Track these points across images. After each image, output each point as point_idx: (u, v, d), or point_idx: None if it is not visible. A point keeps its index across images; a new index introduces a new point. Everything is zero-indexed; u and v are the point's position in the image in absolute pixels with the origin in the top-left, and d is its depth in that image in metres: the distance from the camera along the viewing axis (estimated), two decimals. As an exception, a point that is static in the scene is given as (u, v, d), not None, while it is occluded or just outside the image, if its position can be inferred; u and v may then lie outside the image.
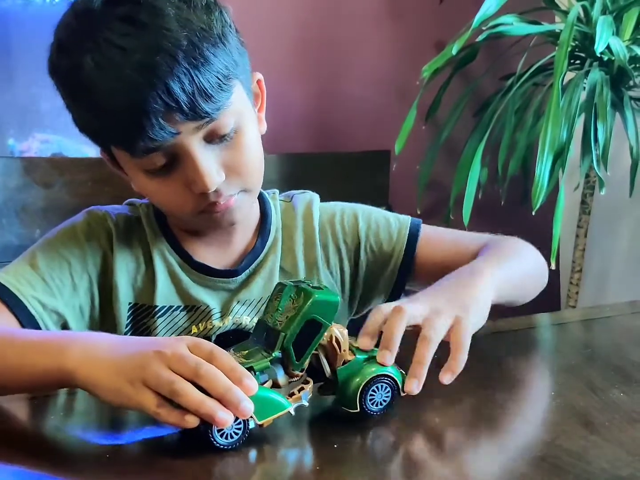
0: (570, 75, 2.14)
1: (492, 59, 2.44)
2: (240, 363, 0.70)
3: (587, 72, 2.09)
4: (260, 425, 0.70)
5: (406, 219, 1.14)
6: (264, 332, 0.74)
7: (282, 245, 1.08)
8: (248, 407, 0.67)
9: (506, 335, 1.05)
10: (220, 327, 1.03)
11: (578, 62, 2.23)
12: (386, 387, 0.75)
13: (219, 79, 0.88)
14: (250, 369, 0.70)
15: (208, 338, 1.02)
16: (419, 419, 0.76)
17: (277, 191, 1.15)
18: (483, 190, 2.28)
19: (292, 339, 0.71)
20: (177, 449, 0.70)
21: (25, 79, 2.08)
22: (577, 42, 2.17)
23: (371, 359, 0.76)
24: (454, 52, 2.09)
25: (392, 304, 0.81)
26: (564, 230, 2.11)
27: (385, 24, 2.53)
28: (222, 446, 0.68)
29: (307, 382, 0.74)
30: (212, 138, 0.91)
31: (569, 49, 1.95)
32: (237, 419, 0.68)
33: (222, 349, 0.70)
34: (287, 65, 2.41)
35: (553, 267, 1.98)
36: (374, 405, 0.75)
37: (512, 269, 1.00)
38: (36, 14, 2.06)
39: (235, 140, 0.93)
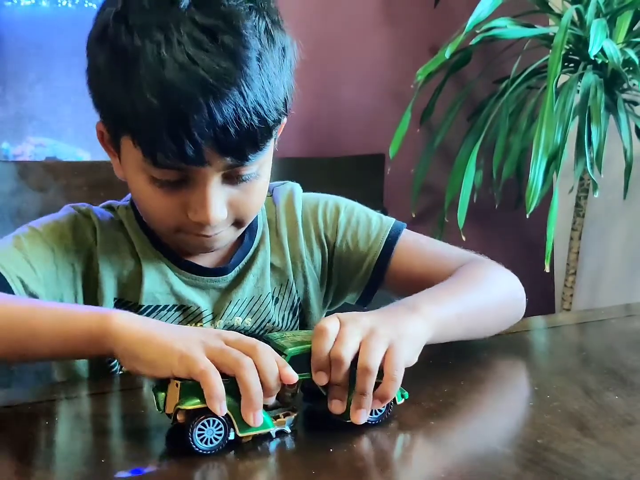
0: (564, 78, 2.15)
1: (486, 63, 2.45)
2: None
3: (581, 75, 2.10)
4: (240, 439, 0.69)
5: (389, 221, 1.10)
6: None
7: (270, 241, 1.07)
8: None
9: (500, 338, 1.05)
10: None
11: (572, 65, 2.24)
12: None
13: (269, 128, 0.88)
14: None
15: None
16: (413, 423, 0.76)
17: None
18: (477, 194, 2.28)
19: (288, 359, 0.72)
20: (168, 455, 0.70)
21: (19, 83, 2.08)
22: (570, 45, 2.18)
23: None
24: (447, 55, 2.10)
25: (334, 324, 0.74)
26: (558, 233, 2.12)
27: (379, 27, 2.53)
28: (201, 451, 0.67)
29: (294, 410, 0.74)
30: (232, 177, 0.90)
31: (563, 52, 1.96)
32: (218, 424, 0.68)
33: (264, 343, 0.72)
34: (282, 69, 2.41)
35: (547, 269, 1.98)
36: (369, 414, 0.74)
37: (463, 305, 0.92)
38: (29, 18, 2.05)
39: (250, 184, 0.92)
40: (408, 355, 0.76)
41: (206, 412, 0.67)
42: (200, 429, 0.67)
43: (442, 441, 0.73)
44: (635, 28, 2.19)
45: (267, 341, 0.75)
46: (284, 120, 0.96)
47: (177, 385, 0.68)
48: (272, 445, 0.71)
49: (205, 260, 1.03)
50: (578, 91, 2.09)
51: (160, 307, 1.00)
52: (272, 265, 1.06)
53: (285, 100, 0.91)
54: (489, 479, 0.63)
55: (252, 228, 1.06)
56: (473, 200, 2.20)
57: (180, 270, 1.01)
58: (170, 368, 0.69)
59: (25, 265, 0.93)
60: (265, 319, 1.05)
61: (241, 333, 1.01)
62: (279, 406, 0.73)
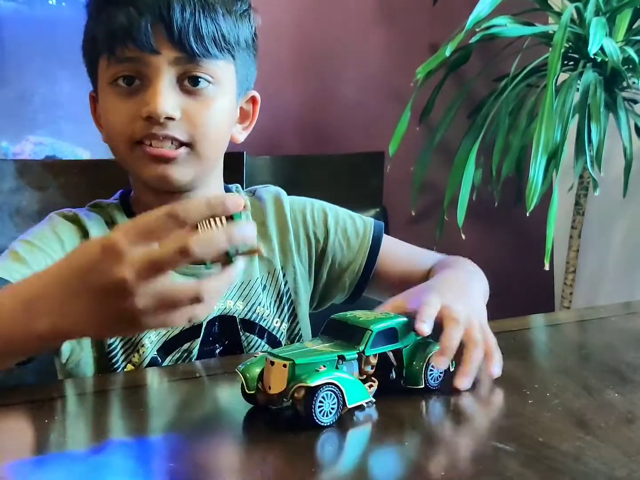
0: (563, 76, 2.15)
1: (486, 61, 2.45)
2: (328, 352, 0.75)
3: (581, 73, 2.09)
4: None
5: (369, 220, 1.16)
6: (344, 329, 0.80)
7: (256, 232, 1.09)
8: (251, 228, 0.65)
9: (501, 336, 1.04)
10: (209, 314, 1.03)
11: (571, 63, 2.24)
12: None
13: (217, 34, 0.96)
14: (341, 357, 0.76)
15: (199, 327, 1.03)
16: (414, 420, 0.76)
17: (239, 185, 1.16)
18: (477, 192, 2.28)
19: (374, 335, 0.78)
20: (170, 451, 0.70)
21: (19, 82, 2.07)
22: (570, 44, 2.18)
23: (426, 342, 0.83)
24: (447, 53, 2.10)
25: (437, 304, 0.84)
26: (558, 231, 2.12)
27: (379, 25, 2.53)
28: (322, 424, 0.72)
29: (374, 381, 0.79)
30: (184, 80, 0.96)
31: (563, 50, 1.96)
32: (333, 397, 0.72)
33: (172, 205, 0.65)
34: (282, 68, 2.41)
35: (547, 268, 1.98)
36: (433, 380, 0.82)
37: (482, 282, 1.05)
38: (30, 16, 2.05)
39: (203, 97, 0.98)
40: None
41: (322, 387, 0.72)
42: (320, 402, 0.72)
43: (442, 439, 0.73)
44: (634, 26, 2.19)
45: (343, 322, 0.80)
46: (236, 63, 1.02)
47: (284, 366, 0.72)
48: (271, 443, 0.71)
49: None
50: (578, 89, 2.09)
51: None
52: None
53: (237, 35, 0.99)
54: (490, 477, 0.63)
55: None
56: (472, 199, 2.21)
57: None
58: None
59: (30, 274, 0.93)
60: (255, 302, 1.07)
61: (234, 317, 1.04)
62: (360, 379, 0.77)
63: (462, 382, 0.81)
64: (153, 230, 0.63)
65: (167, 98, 0.94)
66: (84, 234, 1.02)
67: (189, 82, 0.96)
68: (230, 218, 0.64)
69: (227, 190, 1.12)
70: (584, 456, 0.65)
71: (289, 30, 2.41)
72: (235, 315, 1.05)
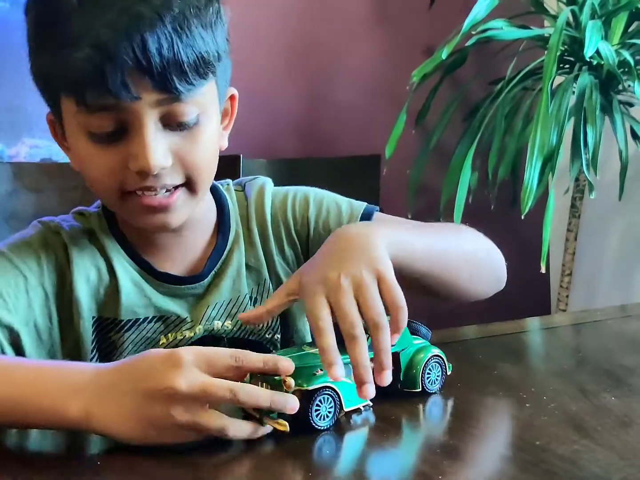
0: (559, 79, 2.15)
1: (482, 64, 2.45)
2: None
3: (576, 77, 2.10)
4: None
5: (360, 206, 1.07)
6: (341, 333, 0.79)
7: (244, 240, 1.03)
8: (294, 404, 0.70)
9: (496, 339, 1.05)
10: (191, 336, 0.98)
11: (567, 66, 2.25)
12: (437, 366, 0.84)
13: (198, 61, 0.85)
14: None
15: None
16: (409, 424, 0.76)
17: (230, 181, 1.09)
18: (473, 195, 2.28)
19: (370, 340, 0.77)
20: (168, 453, 0.69)
21: (14, 84, 2.07)
22: (566, 47, 2.18)
23: (422, 347, 0.84)
24: (443, 56, 2.10)
25: (324, 310, 0.77)
26: (554, 234, 2.12)
27: (375, 28, 2.53)
28: (319, 427, 0.73)
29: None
30: (170, 122, 0.86)
31: (558, 53, 1.97)
32: (330, 401, 0.73)
33: (237, 350, 0.71)
34: (278, 71, 2.41)
35: (543, 270, 1.98)
36: (431, 384, 0.83)
37: (425, 240, 0.94)
38: (23, 17, 2.05)
39: (192, 132, 0.88)
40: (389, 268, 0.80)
41: (319, 391, 0.73)
42: (317, 406, 0.73)
43: (439, 443, 0.73)
44: (630, 29, 2.20)
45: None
46: (223, 76, 0.93)
47: None
48: (267, 448, 0.70)
49: (179, 268, 1.00)
50: (573, 92, 2.09)
51: (140, 320, 0.96)
52: (247, 265, 1.02)
53: (216, 51, 0.88)
54: (487, 480, 0.63)
55: (225, 229, 1.02)
56: (469, 201, 2.20)
57: (156, 281, 0.98)
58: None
59: None
60: None
61: (222, 337, 0.99)
62: None
63: (382, 377, 0.75)
64: (216, 362, 0.70)
65: (157, 147, 0.85)
66: (64, 247, 0.96)
67: (175, 125, 0.87)
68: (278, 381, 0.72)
69: (217, 189, 1.05)
70: (581, 460, 0.65)
71: (284, 33, 2.41)
72: (224, 335, 1.00)
